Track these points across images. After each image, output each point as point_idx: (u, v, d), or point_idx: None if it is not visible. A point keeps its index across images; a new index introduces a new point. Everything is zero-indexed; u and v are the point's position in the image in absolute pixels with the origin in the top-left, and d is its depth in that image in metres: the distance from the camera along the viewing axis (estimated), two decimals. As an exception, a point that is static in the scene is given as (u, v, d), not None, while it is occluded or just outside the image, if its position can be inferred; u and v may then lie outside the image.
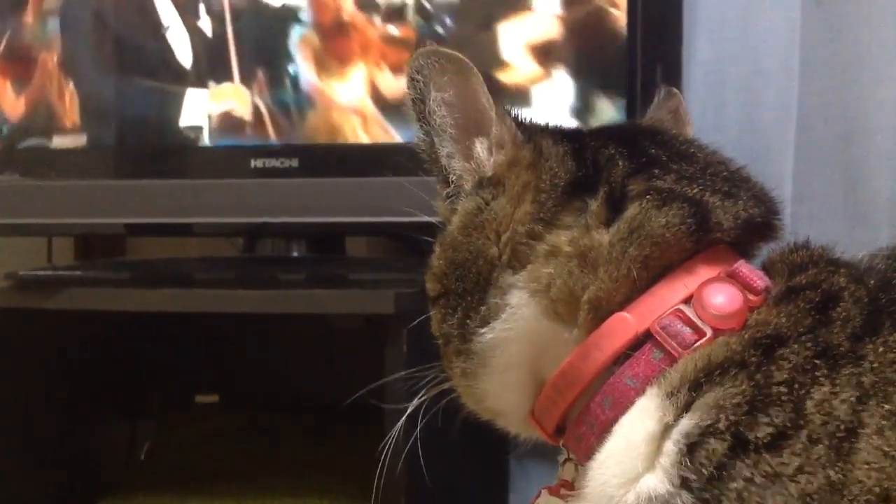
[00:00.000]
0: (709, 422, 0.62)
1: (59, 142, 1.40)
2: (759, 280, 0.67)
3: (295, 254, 1.41)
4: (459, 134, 0.73)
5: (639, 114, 1.07)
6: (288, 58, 1.32)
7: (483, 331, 0.71)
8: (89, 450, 1.55)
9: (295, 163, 1.31)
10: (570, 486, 0.74)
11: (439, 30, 1.28)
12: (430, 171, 0.76)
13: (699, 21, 1.36)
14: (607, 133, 0.77)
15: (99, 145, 1.40)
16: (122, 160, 1.41)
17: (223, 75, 1.34)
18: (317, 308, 1.21)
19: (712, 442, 0.61)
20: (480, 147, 0.73)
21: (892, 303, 0.65)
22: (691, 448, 0.62)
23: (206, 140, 1.36)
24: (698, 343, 0.65)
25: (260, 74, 1.33)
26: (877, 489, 0.59)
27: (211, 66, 1.35)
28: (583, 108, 1.23)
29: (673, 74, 1.30)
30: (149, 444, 1.63)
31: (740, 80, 1.37)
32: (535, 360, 0.71)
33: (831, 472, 0.59)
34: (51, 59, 1.39)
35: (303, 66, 1.31)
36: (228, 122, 1.34)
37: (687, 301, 0.67)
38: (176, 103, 1.36)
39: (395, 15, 1.28)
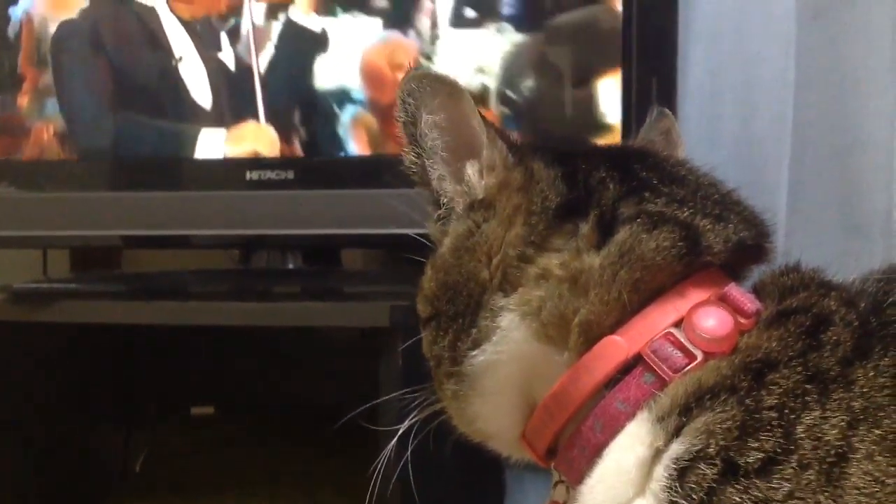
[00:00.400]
0: (699, 447, 0.61)
1: (54, 154, 1.40)
2: (750, 303, 0.67)
3: (290, 266, 1.41)
4: (451, 156, 0.73)
5: (634, 126, 1.07)
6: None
7: (474, 353, 0.71)
8: (85, 461, 1.55)
9: (291, 174, 1.31)
10: (562, 508, 0.74)
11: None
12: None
13: (695, 34, 1.36)
14: (599, 155, 0.76)
15: (94, 157, 1.40)
16: (118, 172, 1.40)
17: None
18: (312, 321, 1.21)
19: (702, 467, 0.61)
20: (471, 170, 0.73)
21: (883, 326, 0.64)
22: (681, 473, 0.61)
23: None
24: (689, 367, 0.65)
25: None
26: (867, 514, 0.59)
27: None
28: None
29: (668, 87, 1.30)
30: (144, 455, 1.63)
31: (736, 93, 1.37)
32: (526, 382, 0.71)
33: (822, 498, 0.59)
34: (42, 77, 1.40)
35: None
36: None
37: (678, 324, 0.67)
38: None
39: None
